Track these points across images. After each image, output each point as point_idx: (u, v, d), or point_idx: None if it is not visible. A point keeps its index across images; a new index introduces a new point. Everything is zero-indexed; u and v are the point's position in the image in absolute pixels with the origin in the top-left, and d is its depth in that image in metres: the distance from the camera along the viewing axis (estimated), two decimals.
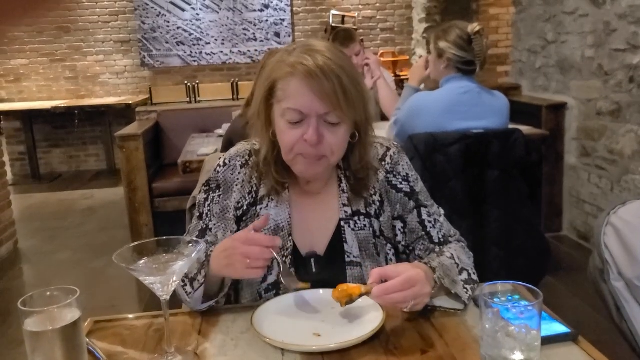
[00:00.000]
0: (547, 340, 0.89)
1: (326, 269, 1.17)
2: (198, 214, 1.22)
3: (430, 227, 1.22)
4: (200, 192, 1.23)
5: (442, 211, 1.26)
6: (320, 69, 1.04)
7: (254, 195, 1.20)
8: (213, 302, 1.10)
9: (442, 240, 1.22)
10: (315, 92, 1.05)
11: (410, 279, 0.98)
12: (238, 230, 1.17)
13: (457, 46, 2.26)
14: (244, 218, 1.20)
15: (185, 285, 1.10)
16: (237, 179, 1.20)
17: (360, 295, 1.00)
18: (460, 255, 1.17)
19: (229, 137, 2.46)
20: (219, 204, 1.20)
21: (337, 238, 1.18)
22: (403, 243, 1.23)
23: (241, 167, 1.20)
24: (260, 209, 1.19)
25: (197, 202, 1.23)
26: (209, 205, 1.21)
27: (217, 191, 1.20)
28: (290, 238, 1.17)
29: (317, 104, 1.05)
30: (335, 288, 1.02)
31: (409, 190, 1.22)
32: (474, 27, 2.25)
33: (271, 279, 1.16)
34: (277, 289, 1.16)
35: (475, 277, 1.14)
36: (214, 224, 1.20)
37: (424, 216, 1.22)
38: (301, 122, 1.08)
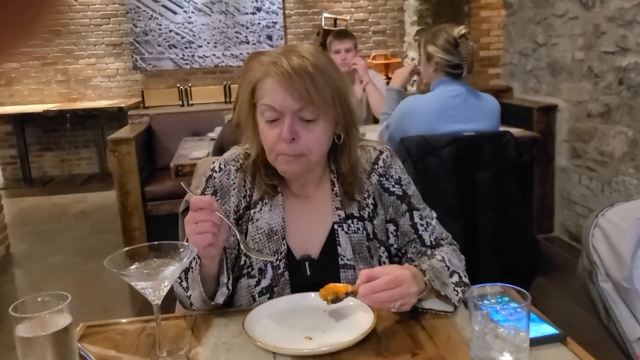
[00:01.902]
0: (536, 342, 0.90)
1: (320, 272, 1.18)
2: None
3: (422, 230, 1.22)
4: None
5: (434, 214, 1.27)
6: (292, 68, 1.06)
7: (248, 199, 1.20)
8: (214, 304, 1.10)
9: (433, 243, 1.23)
10: (287, 89, 1.07)
11: (397, 278, 0.99)
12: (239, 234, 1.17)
13: (444, 50, 2.27)
14: (240, 222, 1.20)
15: (182, 281, 1.11)
16: (234, 183, 1.20)
17: (347, 294, 1.01)
18: (452, 258, 1.18)
19: (219, 143, 2.46)
20: None
21: (331, 241, 1.19)
22: (395, 246, 1.23)
23: (236, 172, 1.21)
24: (254, 212, 1.19)
25: None
26: None
27: (214, 197, 1.20)
28: (284, 241, 1.18)
29: (290, 101, 1.07)
30: (322, 287, 1.03)
31: (401, 193, 1.23)
32: (459, 30, 2.26)
33: (265, 282, 1.16)
34: (271, 292, 1.16)
35: (466, 279, 1.15)
36: None
37: (416, 219, 1.23)
38: (278, 121, 1.09)
